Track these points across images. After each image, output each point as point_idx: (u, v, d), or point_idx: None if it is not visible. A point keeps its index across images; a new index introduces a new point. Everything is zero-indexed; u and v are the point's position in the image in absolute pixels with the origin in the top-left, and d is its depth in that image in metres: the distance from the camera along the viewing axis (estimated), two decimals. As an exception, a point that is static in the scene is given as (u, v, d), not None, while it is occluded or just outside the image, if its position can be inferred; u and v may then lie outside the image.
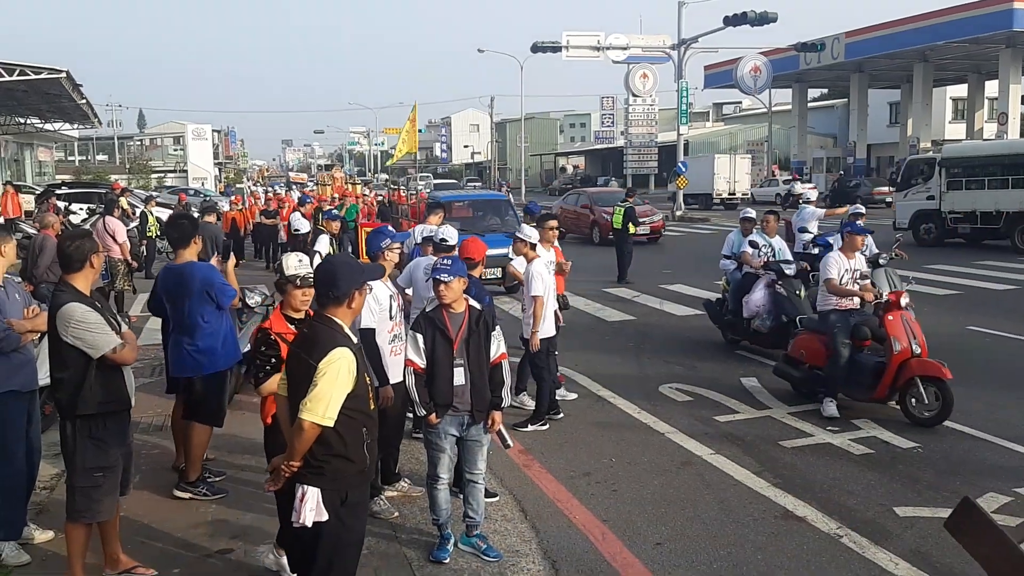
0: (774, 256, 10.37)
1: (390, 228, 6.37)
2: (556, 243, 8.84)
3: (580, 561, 5.11)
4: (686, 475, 6.50)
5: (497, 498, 5.92)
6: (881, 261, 10.33)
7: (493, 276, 13.92)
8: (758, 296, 10.07)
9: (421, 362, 4.93)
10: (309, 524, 3.62)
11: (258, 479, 5.80)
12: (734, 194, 40.69)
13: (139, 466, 5.87)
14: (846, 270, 7.99)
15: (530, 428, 7.56)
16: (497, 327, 5.14)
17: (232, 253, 8.90)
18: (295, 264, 4.85)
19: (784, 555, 5.14)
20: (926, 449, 6.88)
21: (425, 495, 5.33)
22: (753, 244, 10.45)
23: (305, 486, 3.64)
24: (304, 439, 3.56)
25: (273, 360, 4.51)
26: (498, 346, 5.08)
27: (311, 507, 3.61)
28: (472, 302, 5.06)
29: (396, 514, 5.61)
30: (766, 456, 6.83)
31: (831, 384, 7.90)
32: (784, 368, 8.60)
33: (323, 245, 10.96)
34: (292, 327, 4.59)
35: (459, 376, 4.93)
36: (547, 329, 7.65)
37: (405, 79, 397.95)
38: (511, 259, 8.91)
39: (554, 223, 8.69)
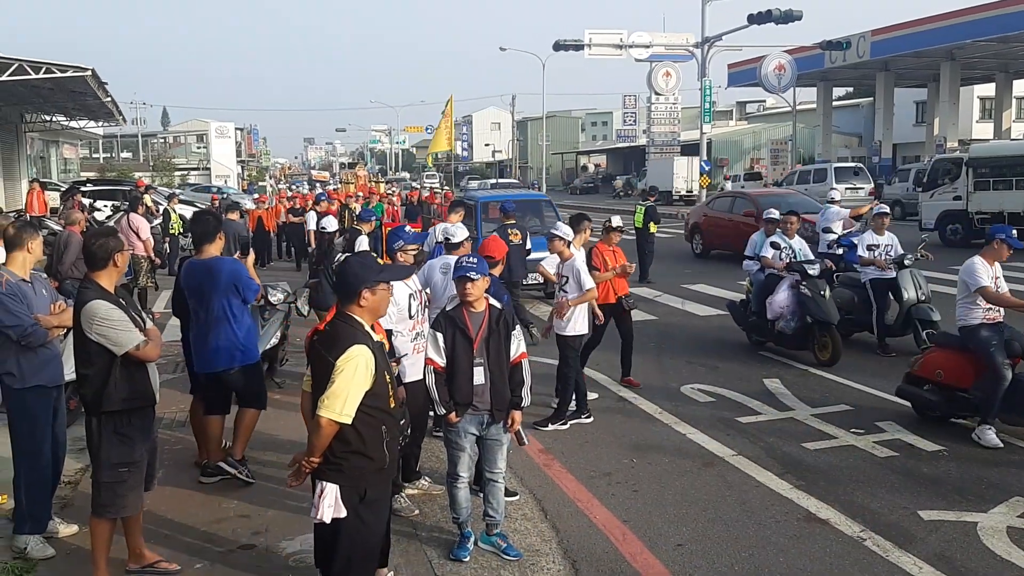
0: (795, 257, 10.28)
1: (407, 229, 6.37)
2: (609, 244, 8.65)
3: (600, 561, 5.10)
4: (708, 476, 6.46)
5: (517, 497, 5.91)
6: (907, 262, 10.27)
7: (534, 281, 12.84)
8: (782, 297, 9.99)
9: (441, 361, 4.93)
10: (327, 520, 3.65)
11: (280, 475, 5.83)
12: (691, 191, 44.08)
13: (162, 461, 5.92)
14: (992, 277, 7.19)
15: (550, 427, 7.54)
16: (517, 326, 5.14)
17: (252, 250, 8.95)
18: None
19: (807, 558, 5.10)
20: (951, 452, 6.79)
21: (445, 493, 5.34)
22: (774, 245, 10.38)
23: (324, 482, 3.68)
24: (322, 436, 3.59)
25: None
26: (518, 345, 5.07)
27: (329, 503, 3.65)
28: (492, 301, 5.06)
29: (416, 512, 5.62)
30: (789, 458, 6.78)
31: (988, 408, 6.91)
32: (912, 390, 7.59)
33: (362, 246, 10.92)
34: None
35: (479, 375, 4.93)
36: (580, 327, 7.63)
37: (427, 77, 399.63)
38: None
39: (590, 225, 8.50)
